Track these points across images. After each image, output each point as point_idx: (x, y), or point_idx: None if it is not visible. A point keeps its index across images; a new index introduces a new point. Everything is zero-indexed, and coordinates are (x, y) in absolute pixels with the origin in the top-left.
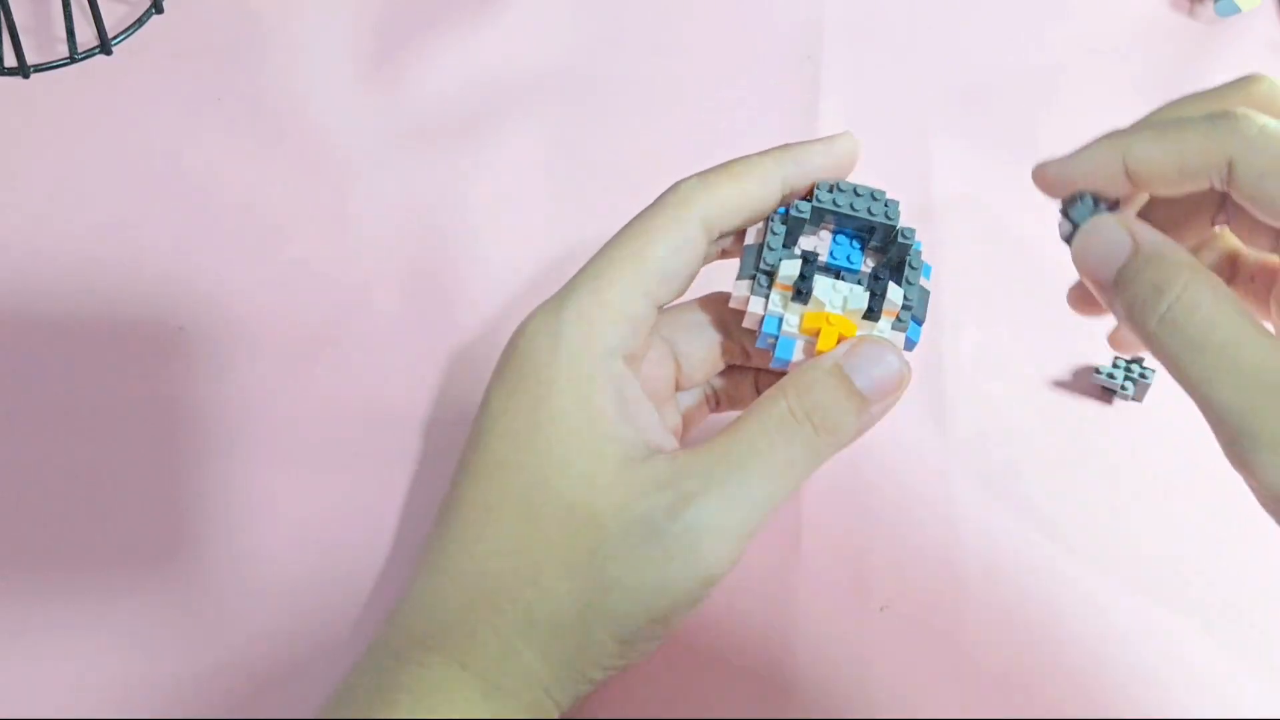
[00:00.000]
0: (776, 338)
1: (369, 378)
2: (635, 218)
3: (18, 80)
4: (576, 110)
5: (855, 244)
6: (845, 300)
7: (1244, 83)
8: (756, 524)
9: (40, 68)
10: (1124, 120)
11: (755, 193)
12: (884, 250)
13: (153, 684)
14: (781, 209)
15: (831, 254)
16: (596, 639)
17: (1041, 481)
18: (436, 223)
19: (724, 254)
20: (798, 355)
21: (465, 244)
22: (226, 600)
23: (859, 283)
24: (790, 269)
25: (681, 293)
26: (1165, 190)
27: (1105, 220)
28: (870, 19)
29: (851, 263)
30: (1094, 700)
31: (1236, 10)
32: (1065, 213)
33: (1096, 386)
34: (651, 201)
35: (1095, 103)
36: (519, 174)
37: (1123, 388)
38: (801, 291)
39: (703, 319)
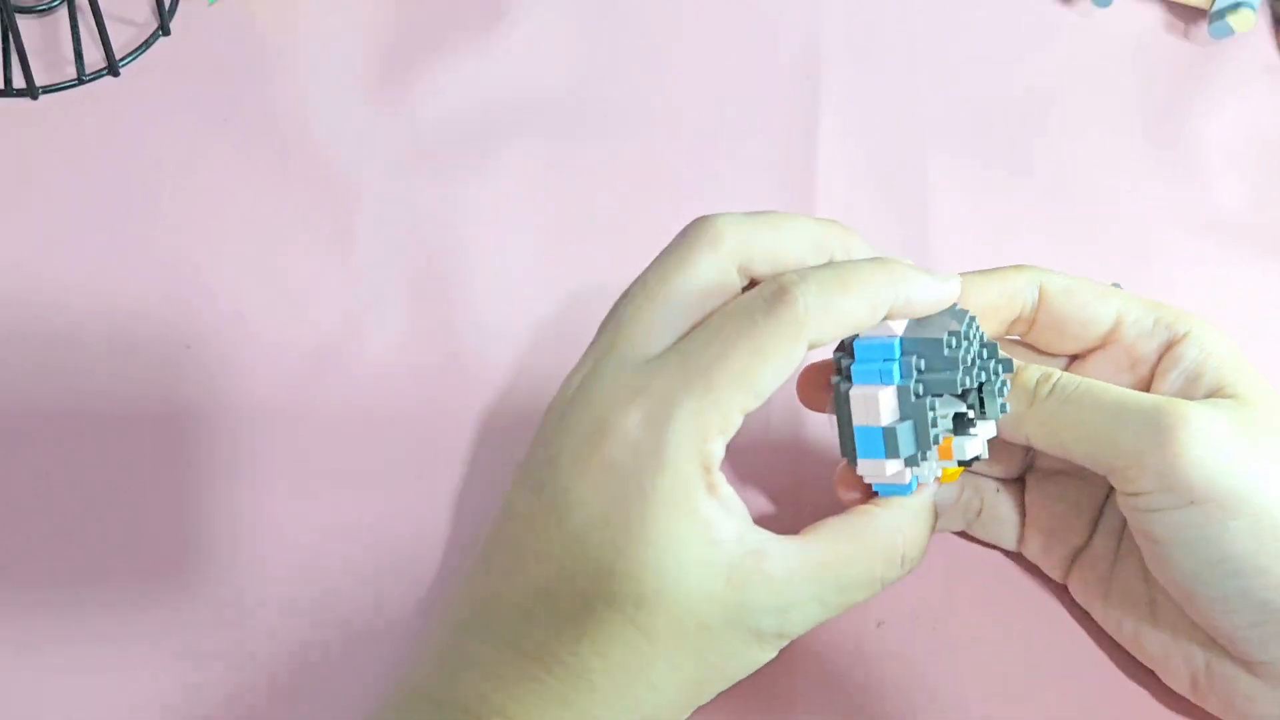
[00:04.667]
0: (908, 486)
1: (375, 396)
2: (745, 324)
3: (26, 101)
4: (581, 132)
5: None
6: (982, 448)
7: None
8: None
9: (49, 89)
10: (1121, 141)
11: (865, 313)
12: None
13: (157, 699)
14: (891, 368)
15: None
16: (686, 716)
17: None
18: (442, 243)
19: None
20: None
21: (470, 263)
22: (233, 616)
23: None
24: (975, 448)
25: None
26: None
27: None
28: (869, 40)
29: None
30: (1093, 716)
31: (1231, 32)
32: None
33: None
34: (764, 308)
35: (1092, 123)
36: (524, 195)
37: None
38: (967, 463)
39: None
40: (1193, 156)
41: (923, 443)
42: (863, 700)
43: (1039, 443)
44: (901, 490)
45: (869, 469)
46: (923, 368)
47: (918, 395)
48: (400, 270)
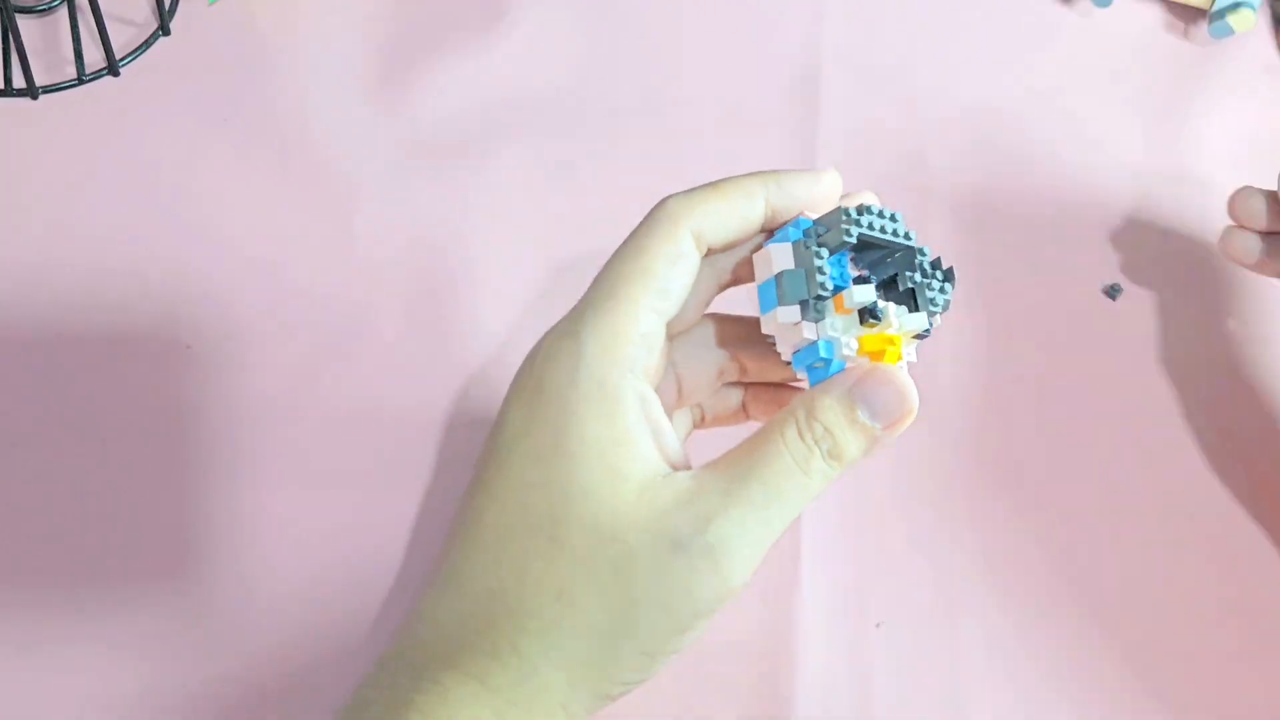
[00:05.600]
0: (829, 361)
1: (375, 395)
2: (629, 238)
3: (26, 101)
4: (579, 132)
5: (842, 260)
6: (901, 322)
7: None
8: (771, 539)
9: (49, 89)
10: (1121, 141)
11: (741, 209)
12: (882, 262)
13: (159, 697)
14: (798, 233)
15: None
16: (622, 654)
17: (1038, 495)
18: (441, 241)
19: (735, 281)
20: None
21: (469, 262)
22: (233, 615)
23: (898, 301)
24: (866, 295)
25: (680, 307)
26: None
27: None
28: (868, 44)
29: (844, 281)
30: (1089, 714)
31: (1231, 32)
32: None
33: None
34: (641, 220)
35: (1092, 125)
36: (522, 195)
37: None
38: (875, 315)
39: (703, 339)
40: (1193, 156)
41: (811, 286)
42: (863, 700)
43: None
44: (825, 375)
45: (769, 323)
46: (822, 232)
47: (808, 247)
48: (400, 269)
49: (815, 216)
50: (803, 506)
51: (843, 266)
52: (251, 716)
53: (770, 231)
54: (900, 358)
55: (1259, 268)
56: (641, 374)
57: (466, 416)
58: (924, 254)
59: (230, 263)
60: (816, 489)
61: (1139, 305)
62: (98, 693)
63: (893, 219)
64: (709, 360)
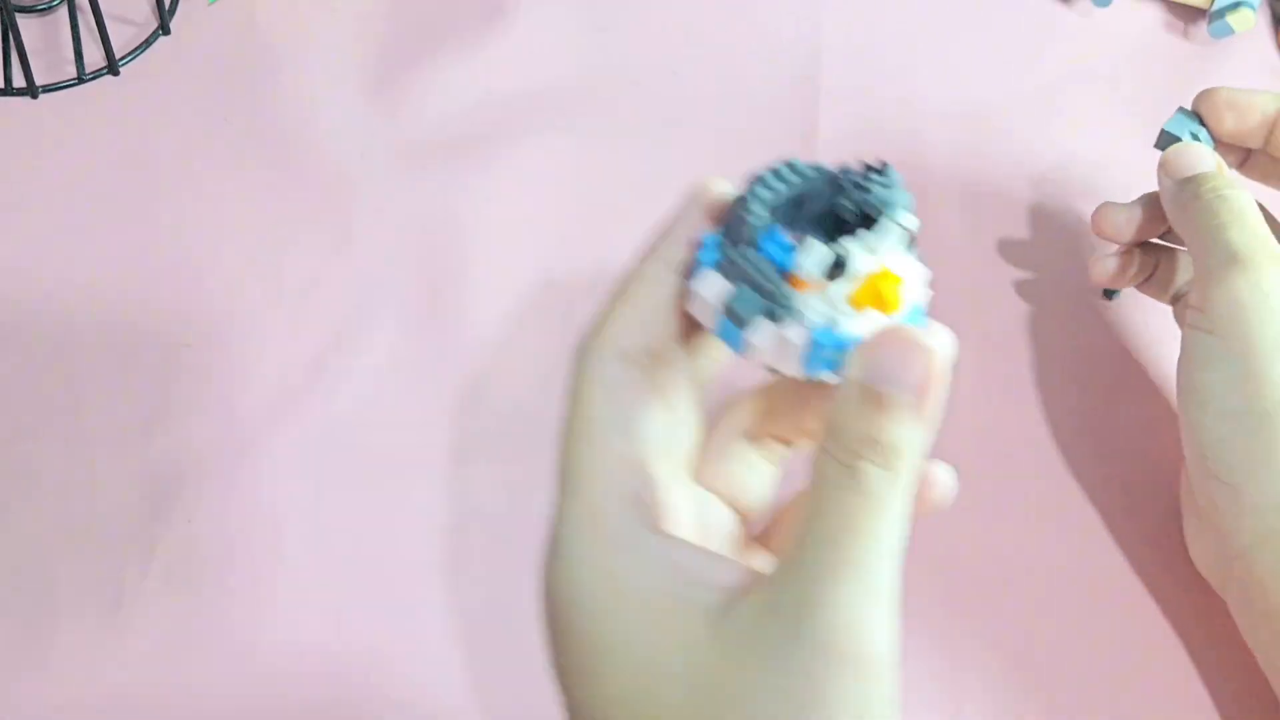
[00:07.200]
0: (839, 344)
1: (374, 395)
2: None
3: (26, 100)
4: (578, 132)
5: (772, 234)
6: (874, 245)
7: None
8: (889, 585)
9: (49, 88)
10: (1120, 141)
11: (658, 300)
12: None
13: (157, 698)
14: (712, 253)
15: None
16: None
17: (1036, 495)
18: (440, 241)
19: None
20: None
21: (469, 262)
22: (232, 614)
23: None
24: (817, 254)
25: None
26: None
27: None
28: (868, 41)
29: (786, 258)
30: (1087, 705)
31: (1231, 32)
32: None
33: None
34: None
35: (1091, 124)
36: (522, 194)
37: None
38: (841, 264)
39: (748, 458)
40: None
41: (762, 292)
42: None
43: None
44: (830, 365)
45: (757, 357)
46: (734, 237)
47: (730, 261)
48: (400, 269)
49: (714, 230)
50: (893, 535)
51: (775, 240)
52: (249, 716)
53: (686, 272)
54: (900, 281)
55: (1136, 281)
56: (620, 388)
57: (466, 416)
58: (848, 172)
59: (229, 263)
60: (890, 506)
61: (1138, 305)
62: (97, 695)
63: (791, 168)
64: (761, 477)
